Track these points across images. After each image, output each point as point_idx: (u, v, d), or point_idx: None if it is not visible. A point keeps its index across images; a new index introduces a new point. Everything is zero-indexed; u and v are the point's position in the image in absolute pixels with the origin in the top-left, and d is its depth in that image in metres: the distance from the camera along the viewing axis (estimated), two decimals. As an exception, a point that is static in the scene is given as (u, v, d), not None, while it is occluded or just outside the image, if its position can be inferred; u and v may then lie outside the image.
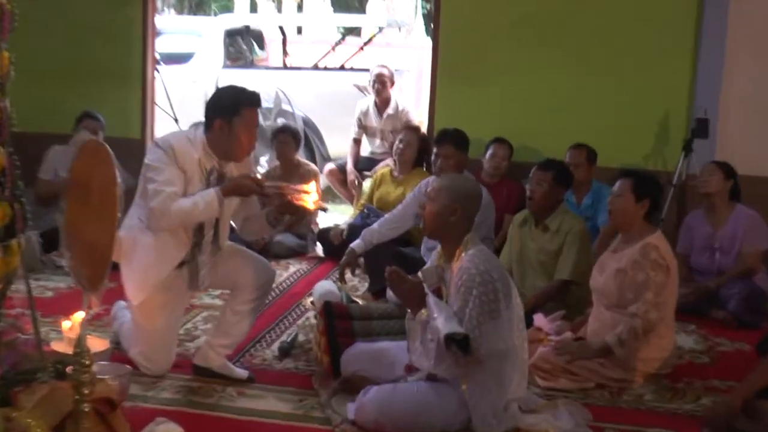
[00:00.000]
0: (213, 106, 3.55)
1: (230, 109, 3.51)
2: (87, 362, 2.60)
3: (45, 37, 5.43)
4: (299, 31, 15.48)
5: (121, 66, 6.32)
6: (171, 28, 9.00)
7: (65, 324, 3.55)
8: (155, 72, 6.63)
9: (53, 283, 4.93)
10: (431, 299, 3.30)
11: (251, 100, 3.55)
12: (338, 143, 8.10)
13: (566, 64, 6.00)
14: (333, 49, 9.18)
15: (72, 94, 6.08)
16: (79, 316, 3.65)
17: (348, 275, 4.94)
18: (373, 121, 7.07)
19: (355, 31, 10.17)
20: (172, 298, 3.66)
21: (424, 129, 6.25)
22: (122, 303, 3.94)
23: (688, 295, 4.79)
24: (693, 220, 5.17)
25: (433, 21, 6.16)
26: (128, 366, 3.47)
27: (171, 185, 3.41)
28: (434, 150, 5.02)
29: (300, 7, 19.88)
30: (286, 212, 3.61)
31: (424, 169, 5.88)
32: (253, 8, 18.92)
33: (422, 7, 18.09)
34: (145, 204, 3.47)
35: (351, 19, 13.57)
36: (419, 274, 3.42)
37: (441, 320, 3.18)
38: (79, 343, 2.64)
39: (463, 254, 3.32)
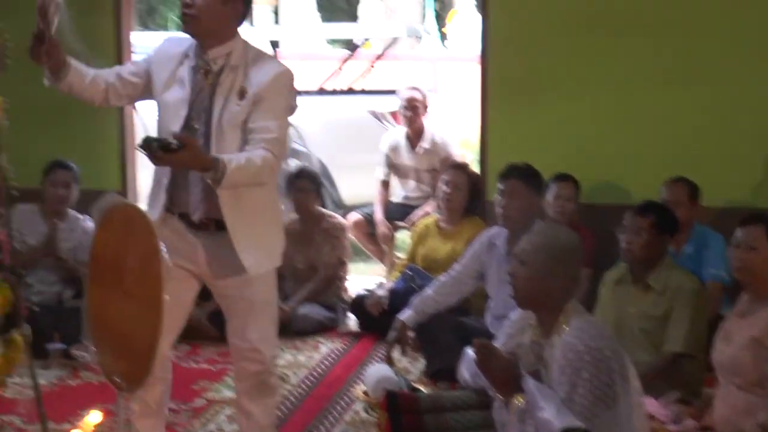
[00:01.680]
0: None
1: None
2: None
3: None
4: (275, 45, 15.64)
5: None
6: (140, 48, 9.11)
7: (76, 432, 3.64)
8: (133, 108, 6.75)
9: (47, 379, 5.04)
10: (531, 383, 3.34)
11: None
12: (353, 186, 8.20)
13: (652, 75, 5.98)
14: (341, 68, 9.31)
15: (37, 139, 6.17)
16: (94, 419, 3.74)
17: (396, 354, 5.02)
18: (405, 158, 7.17)
19: (350, 44, 10.31)
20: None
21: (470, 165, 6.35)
22: None
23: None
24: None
25: (482, 29, 6.24)
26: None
27: None
28: (499, 188, 5.09)
29: (275, 13, 20.14)
30: None
31: (479, 218, 5.98)
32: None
33: (433, 9, 18.35)
34: None
35: (351, 30, 13.73)
36: (501, 346, 3.47)
37: (551, 411, 3.22)
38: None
39: (564, 326, 3.38)
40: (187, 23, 3.55)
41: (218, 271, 3.63)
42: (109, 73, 3.67)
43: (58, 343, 5.28)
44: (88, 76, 3.58)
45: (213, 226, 3.57)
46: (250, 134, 3.49)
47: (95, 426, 3.79)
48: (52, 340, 5.27)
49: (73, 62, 3.56)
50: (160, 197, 3.60)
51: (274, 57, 3.80)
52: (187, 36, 3.61)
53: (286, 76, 3.59)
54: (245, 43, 3.62)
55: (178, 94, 3.57)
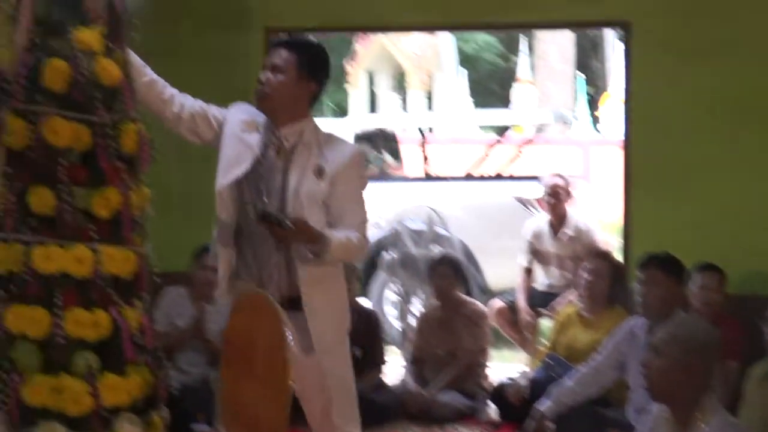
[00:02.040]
0: None
1: None
2: None
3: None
4: (429, 130, 15.91)
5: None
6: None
7: None
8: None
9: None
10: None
11: None
12: (499, 272, 8.20)
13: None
14: (488, 154, 9.39)
15: (189, 225, 6.40)
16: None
17: (535, 445, 4.96)
18: (548, 244, 7.14)
19: (501, 129, 10.41)
20: None
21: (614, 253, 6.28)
22: None
23: None
24: None
25: (625, 112, 6.23)
26: None
27: None
28: (638, 277, 5.03)
29: (430, 98, 20.48)
30: None
31: (621, 307, 5.88)
32: (372, 109, 19.55)
33: (585, 93, 18.32)
34: None
35: (500, 116, 13.86)
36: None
37: None
38: None
39: (703, 425, 3.30)
40: (261, 100, 3.68)
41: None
42: (189, 98, 3.79)
43: (203, 423, 5.40)
44: (149, 73, 3.69)
45: (287, 304, 3.61)
46: (338, 218, 3.61)
47: None
48: (197, 421, 5.39)
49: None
50: (240, 278, 3.69)
51: (344, 138, 3.91)
52: None
53: (361, 156, 3.78)
54: (315, 123, 3.75)
55: (245, 161, 3.66)
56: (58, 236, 3.27)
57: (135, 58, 3.62)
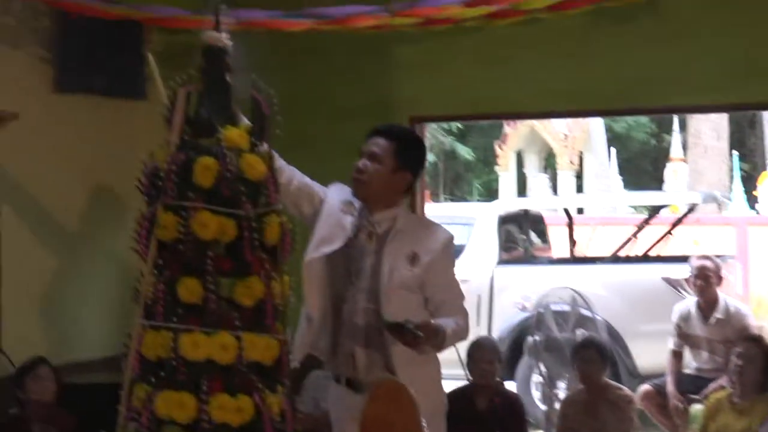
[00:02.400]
0: None
1: None
2: None
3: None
4: (579, 211, 15.86)
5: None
6: (437, 218, 9.53)
7: None
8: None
9: None
10: None
11: None
12: (648, 355, 8.05)
13: None
14: (635, 235, 9.29)
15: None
16: None
17: None
18: (697, 328, 6.99)
19: (653, 210, 10.29)
20: None
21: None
22: None
23: None
24: None
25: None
26: None
27: None
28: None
29: (579, 178, 20.39)
30: None
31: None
32: (521, 190, 19.58)
33: (739, 170, 17.91)
34: None
35: (649, 198, 13.70)
36: None
37: None
38: None
39: None
40: (358, 188, 3.76)
41: None
42: (297, 173, 3.90)
43: None
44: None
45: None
46: (440, 305, 3.69)
47: None
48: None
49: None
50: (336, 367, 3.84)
51: (436, 222, 3.97)
52: None
53: (452, 240, 3.82)
54: (407, 210, 3.87)
55: (336, 241, 3.75)
56: (205, 324, 3.43)
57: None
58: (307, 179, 3.94)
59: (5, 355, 5.75)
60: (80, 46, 6.07)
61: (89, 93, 6.25)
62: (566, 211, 10.25)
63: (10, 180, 5.84)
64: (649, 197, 14.08)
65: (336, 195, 3.87)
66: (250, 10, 4.93)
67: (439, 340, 3.53)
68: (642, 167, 24.78)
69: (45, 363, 5.40)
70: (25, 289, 5.98)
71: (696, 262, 7.08)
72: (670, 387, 6.91)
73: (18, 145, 5.87)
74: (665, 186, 18.53)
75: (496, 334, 8.16)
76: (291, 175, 3.88)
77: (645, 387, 7.14)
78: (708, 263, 7.04)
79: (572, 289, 7.63)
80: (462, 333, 3.70)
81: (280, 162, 3.84)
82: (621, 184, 19.53)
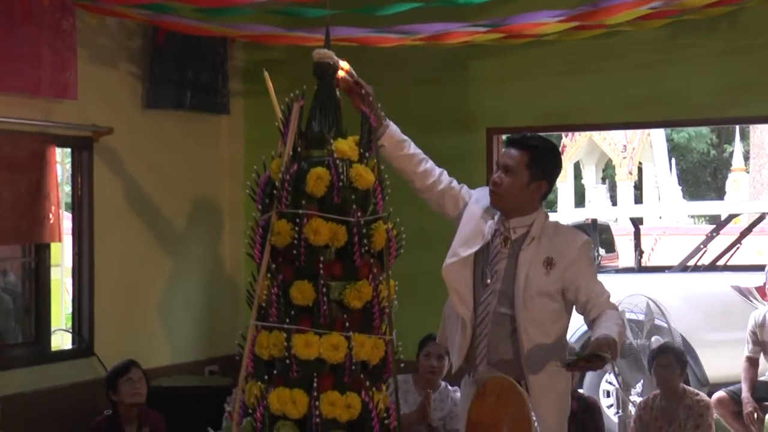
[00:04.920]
0: None
1: None
2: None
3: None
4: (639, 220, 15.92)
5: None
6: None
7: None
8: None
9: None
10: None
11: None
12: (717, 364, 8.13)
13: None
14: (705, 245, 9.37)
15: (414, 314, 6.75)
16: None
17: None
18: (773, 335, 7.09)
19: (723, 221, 10.34)
20: None
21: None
22: None
23: None
24: None
25: None
26: None
27: None
28: None
29: (637, 189, 20.40)
30: None
31: None
32: (579, 201, 19.61)
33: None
34: None
35: (714, 207, 13.76)
36: None
37: None
38: None
39: None
40: (494, 200, 3.93)
41: None
42: (445, 176, 4.10)
43: None
44: (407, 149, 4.05)
45: None
46: (587, 304, 3.80)
47: None
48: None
49: (394, 129, 4.04)
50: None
51: (572, 228, 4.11)
52: None
53: (589, 243, 3.93)
54: (546, 215, 3.95)
55: (474, 245, 3.92)
56: (316, 325, 3.62)
57: (396, 133, 4.03)
58: (454, 182, 4.13)
59: (98, 359, 6.02)
60: (170, 64, 6.35)
61: (177, 108, 6.53)
62: (633, 221, 10.35)
63: (104, 189, 6.12)
64: (711, 207, 14.13)
65: (479, 199, 4.03)
66: (346, 27, 5.14)
67: (616, 349, 3.64)
68: (702, 177, 24.70)
69: (137, 366, 5.65)
70: (117, 295, 6.25)
71: (770, 268, 7.18)
72: (746, 393, 6.99)
73: (112, 157, 6.17)
74: (726, 197, 18.50)
75: (567, 343, 8.26)
76: (437, 179, 4.07)
77: (719, 394, 7.22)
78: (785, 270, 7.13)
79: (647, 298, 7.73)
80: (622, 327, 3.76)
81: (426, 165, 4.06)
82: (680, 194, 19.52)
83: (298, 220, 3.63)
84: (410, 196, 4.22)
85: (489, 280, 3.92)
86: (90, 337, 6.08)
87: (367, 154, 3.77)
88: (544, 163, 3.97)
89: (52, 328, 6.11)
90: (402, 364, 3.86)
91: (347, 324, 3.63)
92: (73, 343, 6.16)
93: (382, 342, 3.73)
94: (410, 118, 6.81)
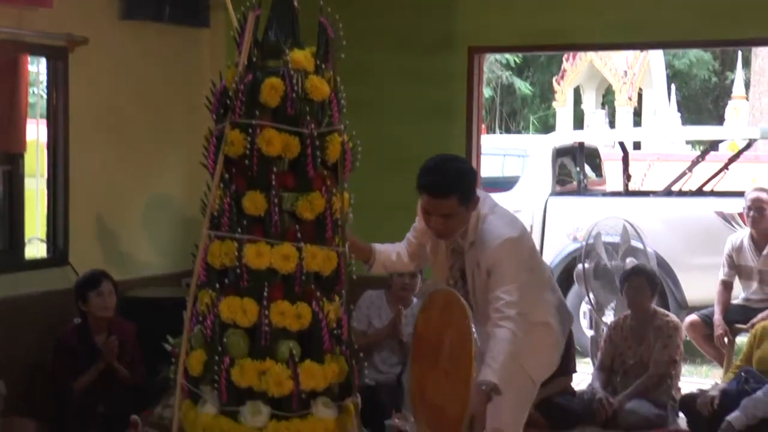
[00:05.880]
0: None
1: None
2: None
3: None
4: (636, 145, 15.83)
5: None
6: (492, 149, 9.63)
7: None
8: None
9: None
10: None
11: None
12: (697, 287, 8.15)
13: None
14: (690, 170, 9.33)
15: (383, 231, 6.74)
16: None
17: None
18: (749, 259, 7.07)
19: (709, 146, 10.27)
20: None
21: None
22: None
23: None
24: None
25: None
26: None
27: None
28: None
29: (637, 115, 20.29)
30: None
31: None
32: (578, 126, 19.54)
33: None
34: None
35: (706, 132, 13.66)
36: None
37: None
38: None
39: None
40: (444, 238, 3.87)
41: None
42: (408, 245, 4.14)
43: (396, 419, 5.68)
44: (392, 254, 4.10)
45: None
46: (490, 304, 3.65)
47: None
48: (389, 417, 5.69)
49: (378, 248, 4.11)
50: None
51: (500, 225, 3.86)
52: None
53: (510, 242, 3.74)
54: (478, 216, 3.80)
55: (442, 264, 3.94)
56: (268, 235, 3.64)
57: (382, 255, 4.12)
58: (409, 235, 4.16)
59: (72, 268, 6.05)
60: (146, -25, 6.27)
61: (156, 20, 6.46)
62: (622, 145, 10.29)
63: (80, 100, 6.10)
64: (706, 131, 14.03)
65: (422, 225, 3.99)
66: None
67: (498, 390, 3.51)
68: (703, 105, 24.56)
69: (108, 278, 5.67)
70: (92, 206, 6.27)
71: (751, 194, 7.12)
72: (717, 317, 7.01)
73: (88, 68, 6.13)
74: (725, 124, 18.39)
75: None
76: (410, 252, 4.14)
77: (691, 317, 7.27)
78: (763, 195, 7.05)
79: (624, 220, 7.73)
80: (514, 351, 3.59)
81: (403, 250, 4.14)
82: (679, 121, 19.40)
83: (251, 131, 3.63)
84: (368, 110, 4.20)
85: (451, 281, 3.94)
86: (65, 246, 6.11)
87: (323, 66, 3.75)
88: (470, 189, 3.80)
89: (27, 238, 6.14)
90: (354, 277, 3.90)
91: (299, 235, 3.65)
92: (47, 253, 6.19)
93: (334, 254, 3.75)
94: (390, 37, 6.80)
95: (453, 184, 3.71)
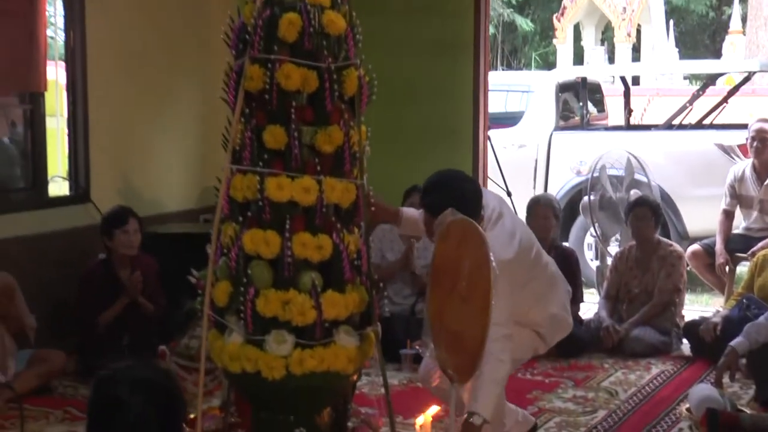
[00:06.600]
0: None
1: None
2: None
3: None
4: (635, 81, 15.72)
5: (451, 127, 6.91)
6: (496, 85, 9.56)
7: (418, 420, 4.03)
8: (487, 137, 7.17)
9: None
10: None
11: None
12: (698, 218, 8.16)
13: None
14: (691, 103, 9.26)
15: (397, 165, 6.73)
16: (433, 411, 4.13)
17: (726, 380, 5.03)
18: (751, 189, 7.08)
19: (708, 79, 10.18)
20: None
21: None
22: None
23: None
24: None
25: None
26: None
27: None
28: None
29: (636, 51, 20.13)
30: None
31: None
32: (578, 59, 19.40)
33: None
34: None
35: (705, 65, 13.54)
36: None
37: None
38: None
39: None
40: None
41: None
42: None
43: (410, 349, 5.72)
44: (419, 218, 4.03)
45: None
46: None
47: (434, 415, 4.18)
48: (404, 347, 5.73)
49: (405, 210, 4.15)
50: None
51: (495, 246, 3.60)
52: None
53: (500, 265, 3.53)
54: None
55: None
56: (288, 168, 3.61)
57: (408, 218, 4.13)
58: None
59: (94, 205, 6.05)
60: None
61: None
62: (623, 79, 10.21)
63: (97, 39, 6.04)
64: (707, 65, 13.91)
65: None
66: None
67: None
68: (700, 40, 24.33)
69: (134, 216, 5.66)
70: (112, 143, 6.24)
71: (755, 125, 7.11)
72: (719, 246, 7.02)
73: (105, 7, 6.06)
74: (723, 59, 18.23)
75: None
76: None
77: (694, 247, 7.27)
78: (766, 125, 7.05)
79: (628, 153, 7.69)
80: (498, 380, 3.61)
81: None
82: (677, 56, 19.25)
83: (270, 65, 3.58)
84: (383, 45, 4.15)
85: None
86: (86, 184, 6.11)
87: (339, 1, 3.69)
88: (471, 211, 3.68)
89: (50, 176, 6.12)
90: (373, 209, 3.88)
91: (318, 168, 3.62)
92: (70, 190, 6.18)
93: (353, 186, 3.73)
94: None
95: (453, 206, 3.61)
